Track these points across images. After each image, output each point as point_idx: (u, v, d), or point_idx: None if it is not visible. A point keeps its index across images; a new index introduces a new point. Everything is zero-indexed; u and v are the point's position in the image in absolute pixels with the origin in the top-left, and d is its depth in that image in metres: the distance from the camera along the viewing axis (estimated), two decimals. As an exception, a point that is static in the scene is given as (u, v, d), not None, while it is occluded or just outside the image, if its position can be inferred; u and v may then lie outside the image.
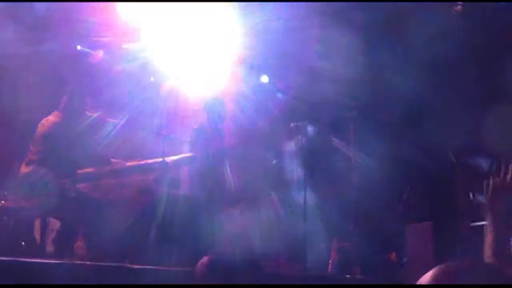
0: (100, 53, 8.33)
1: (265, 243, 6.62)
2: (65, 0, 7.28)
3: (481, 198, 7.54)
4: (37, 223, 5.64)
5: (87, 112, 5.71)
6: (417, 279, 1.30)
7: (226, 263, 2.38)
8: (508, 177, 2.44)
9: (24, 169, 5.31)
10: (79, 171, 5.65)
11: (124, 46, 8.20)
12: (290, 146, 8.95)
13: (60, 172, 5.27)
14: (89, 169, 5.79)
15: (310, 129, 8.84)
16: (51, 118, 5.55)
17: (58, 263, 4.09)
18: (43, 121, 5.54)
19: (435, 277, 1.26)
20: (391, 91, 7.90)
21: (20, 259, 3.97)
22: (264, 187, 7.75)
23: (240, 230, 7.09)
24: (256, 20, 7.75)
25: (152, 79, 9.37)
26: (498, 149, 7.21)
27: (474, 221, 7.47)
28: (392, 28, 7.78)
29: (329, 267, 7.43)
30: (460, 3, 7.83)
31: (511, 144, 6.87)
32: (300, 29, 7.98)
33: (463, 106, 7.75)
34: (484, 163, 7.78)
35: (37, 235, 5.70)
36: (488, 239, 2.42)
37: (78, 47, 8.29)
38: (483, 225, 7.34)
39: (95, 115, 5.77)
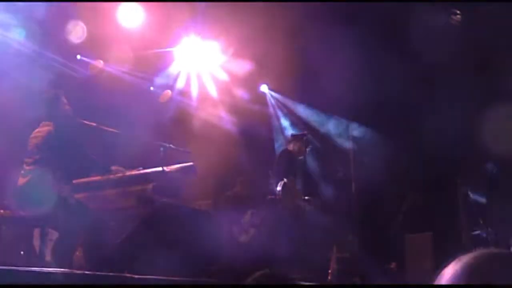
0: (99, 63, 8.34)
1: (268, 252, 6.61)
2: (66, 0, 7.24)
3: (481, 206, 7.53)
4: (36, 233, 5.62)
5: (85, 121, 5.67)
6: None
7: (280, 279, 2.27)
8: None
9: (21, 181, 5.27)
10: (78, 181, 5.63)
11: (124, 55, 8.22)
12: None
13: (58, 181, 5.25)
14: (88, 179, 5.77)
15: (312, 138, 8.83)
16: (42, 128, 5.45)
17: (57, 273, 4.07)
18: (33, 134, 5.44)
19: (469, 264, 1.17)
20: (390, 96, 7.90)
21: (19, 268, 3.95)
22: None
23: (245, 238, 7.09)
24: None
25: (151, 88, 9.39)
26: (498, 155, 7.20)
27: (474, 230, 7.45)
28: (392, 32, 7.78)
29: (329, 277, 7.40)
30: (458, 12, 7.85)
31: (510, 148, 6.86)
32: (302, 31, 7.96)
33: (463, 114, 7.75)
34: (485, 171, 7.77)
35: (36, 244, 5.68)
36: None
37: (78, 57, 8.30)
38: (483, 234, 7.31)
39: (94, 124, 5.75)
